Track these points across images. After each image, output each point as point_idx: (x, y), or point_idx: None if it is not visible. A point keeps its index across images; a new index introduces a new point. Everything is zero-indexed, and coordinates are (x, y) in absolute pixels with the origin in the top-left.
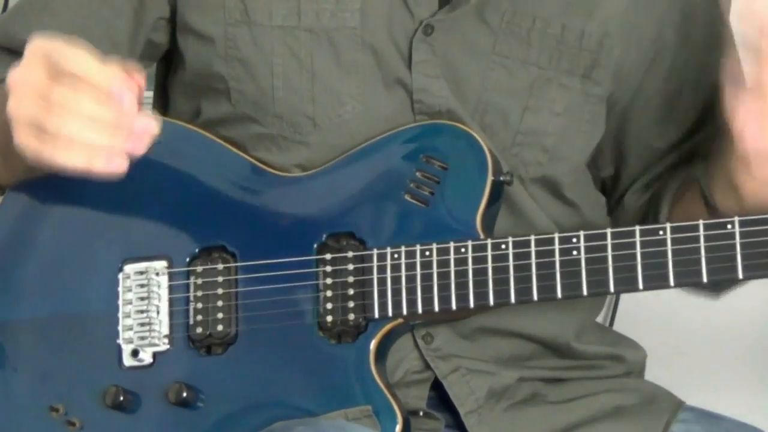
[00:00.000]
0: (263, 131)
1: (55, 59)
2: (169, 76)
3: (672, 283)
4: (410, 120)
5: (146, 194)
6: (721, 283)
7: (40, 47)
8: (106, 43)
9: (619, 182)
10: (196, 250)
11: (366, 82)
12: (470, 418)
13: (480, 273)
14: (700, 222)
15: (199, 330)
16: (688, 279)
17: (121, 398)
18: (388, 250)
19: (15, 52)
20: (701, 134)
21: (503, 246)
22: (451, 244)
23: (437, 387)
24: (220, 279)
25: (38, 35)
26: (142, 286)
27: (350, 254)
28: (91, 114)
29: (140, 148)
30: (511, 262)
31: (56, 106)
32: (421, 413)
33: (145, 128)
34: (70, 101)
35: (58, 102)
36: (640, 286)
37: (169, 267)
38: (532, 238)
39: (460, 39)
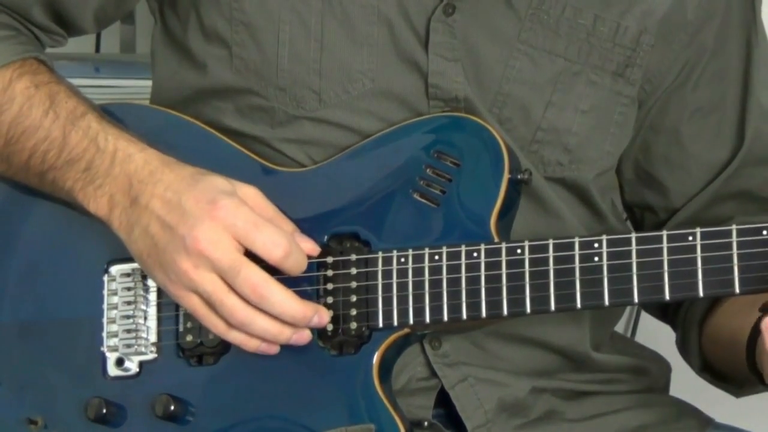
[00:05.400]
0: (262, 103)
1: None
2: (164, 46)
3: (701, 292)
4: (424, 105)
5: None
6: (744, 383)
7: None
8: None
9: (654, 215)
10: None
11: (379, 59)
12: None
13: (493, 280)
14: (734, 227)
15: (189, 338)
16: (719, 289)
17: (105, 411)
18: (395, 253)
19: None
20: (741, 156)
21: (519, 251)
22: (463, 248)
23: (445, 402)
24: None
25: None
26: (128, 289)
27: (353, 257)
28: (271, 323)
29: (300, 342)
30: (527, 269)
31: (239, 308)
32: (425, 424)
33: (308, 337)
34: (262, 304)
35: (247, 295)
36: (667, 296)
37: None
38: (551, 242)
39: (483, 22)
